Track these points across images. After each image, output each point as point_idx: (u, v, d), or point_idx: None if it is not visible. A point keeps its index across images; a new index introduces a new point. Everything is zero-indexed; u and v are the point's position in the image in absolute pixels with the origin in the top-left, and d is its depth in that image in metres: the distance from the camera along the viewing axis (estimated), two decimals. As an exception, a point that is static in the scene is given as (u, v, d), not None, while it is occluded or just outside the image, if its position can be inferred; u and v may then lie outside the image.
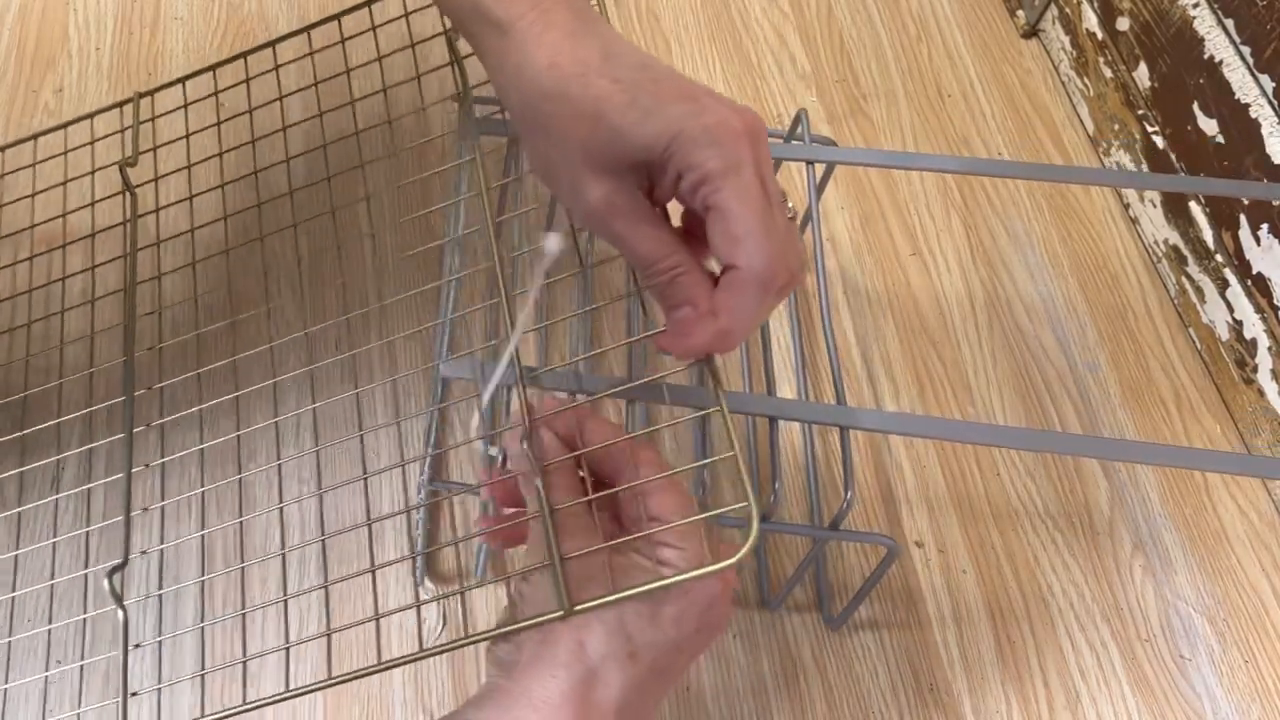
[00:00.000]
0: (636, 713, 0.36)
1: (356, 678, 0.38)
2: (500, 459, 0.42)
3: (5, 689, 0.54)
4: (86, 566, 0.56)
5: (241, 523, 0.59)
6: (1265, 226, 0.61)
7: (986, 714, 0.57)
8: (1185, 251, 0.69)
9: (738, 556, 0.33)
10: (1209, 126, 0.65)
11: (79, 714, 0.54)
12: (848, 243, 0.72)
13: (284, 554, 0.46)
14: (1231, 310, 0.65)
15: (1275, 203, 0.60)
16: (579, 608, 0.34)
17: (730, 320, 0.35)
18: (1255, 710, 0.57)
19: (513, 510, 0.42)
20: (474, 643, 0.37)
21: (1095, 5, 0.75)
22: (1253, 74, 0.61)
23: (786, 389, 0.66)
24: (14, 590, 0.56)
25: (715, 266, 0.37)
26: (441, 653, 0.37)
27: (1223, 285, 0.66)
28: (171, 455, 0.55)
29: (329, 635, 0.41)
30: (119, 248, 0.53)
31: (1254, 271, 0.63)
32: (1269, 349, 0.62)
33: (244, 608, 0.56)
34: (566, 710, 0.34)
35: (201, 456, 0.54)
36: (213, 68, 0.56)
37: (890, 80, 0.80)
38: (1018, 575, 0.61)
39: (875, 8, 0.84)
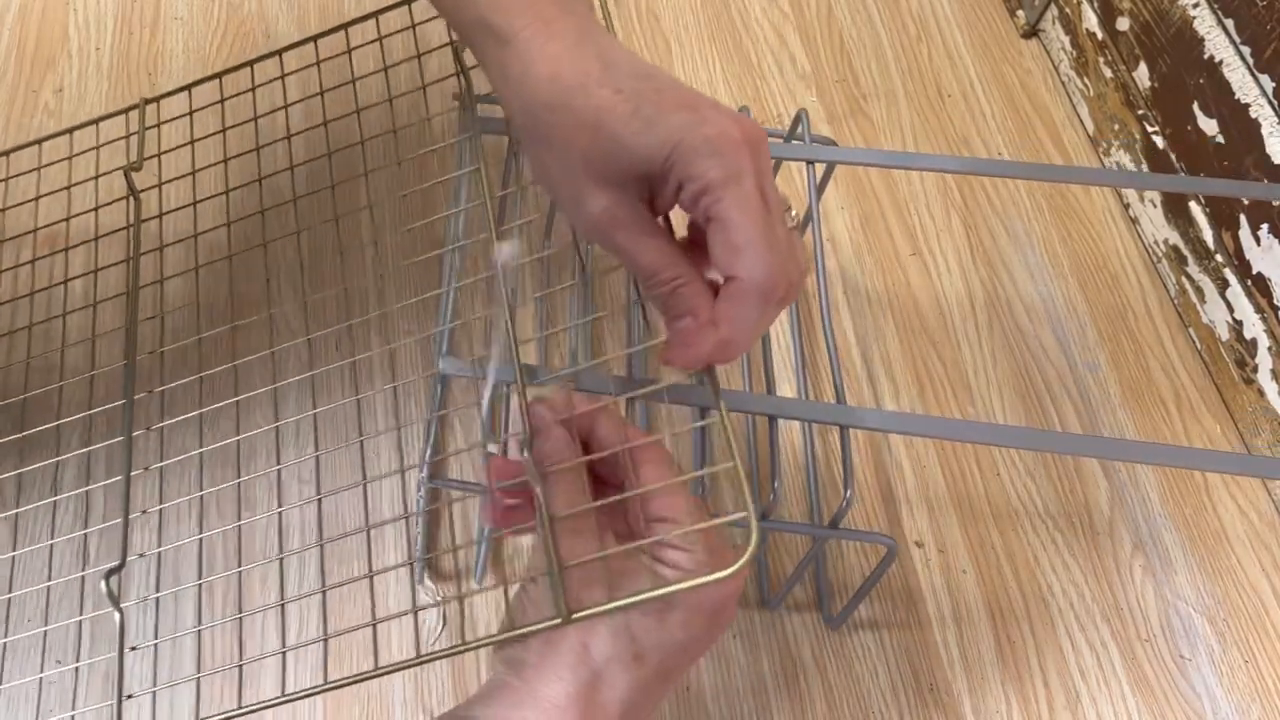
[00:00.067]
0: (640, 714, 0.36)
1: (351, 683, 0.38)
2: (502, 451, 0.42)
3: (2, 689, 0.54)
4: (84, 568, 0.56)
5: (240, 526, 0.59)
6: (1265, 226, 0.61)
7: (986, 714, 0.57)
8: (1185, 251, 0.69)
9: (737, 565, 0.33)
10: (1209, 126, 0.65)
11: (74, 715, 0.54)
12: (848, 243, 0.72)
13: (282, 558, 0.46)
14: (1231, 310, 0.65)
15: (1275, 203, 0.60)
16: (577, 615, 0.34)
17: (731, 330, 0.35)
18: (1255, 710, 0.57)
19: (512, 498, 0.42)
20: (472, 650, 0.36)
21: (1095, 5, 0.75)
22: (1253, 74, 0.61)
23: (786, 388, 0.66)
24: (11, 591, 0.56)
25: (719, 277, 0.37)
26: (437, 659, 0.37)
27: (1223, 285, 0.66)
28: (171, 459, 0.55)
29: (325, 641, 0.41)
30: (122, 252, 0.53)
31: (1254, 271, 0.63)
32: (1269, 349, 0.62)
33: (241, 611, 0.56)
34: (572, 712, 0.34)
35: (201, 460, 0.54)
36: (218, 75, 0.57)
37: (890, 80, 0.80)
38: (1018, 575, 0.61)
39: (875, 8, 0.84)
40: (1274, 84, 0.59)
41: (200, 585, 0.58)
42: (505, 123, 0.54)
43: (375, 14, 0.55)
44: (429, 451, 0.60)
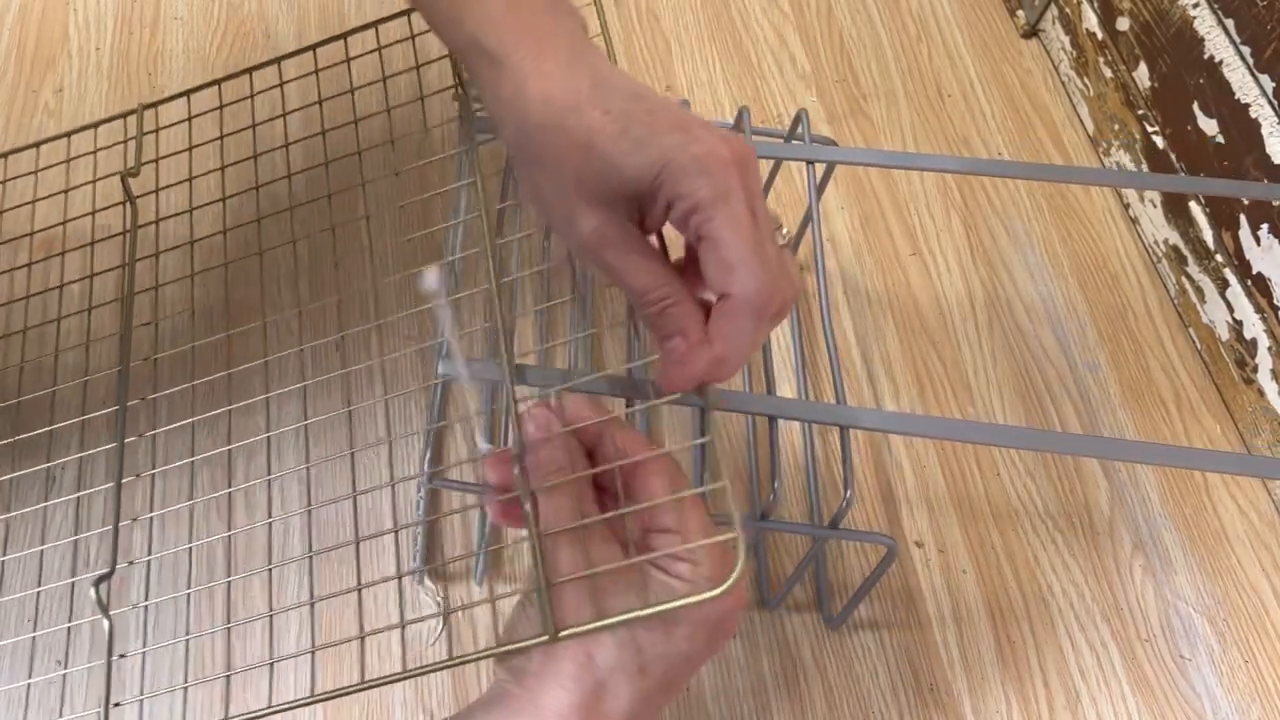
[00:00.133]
0: None
1: (341, 695, 0.38)
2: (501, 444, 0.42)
3: None
4: (75, 574, 0.56)
5: (232, 535, 0.59)
6: (1265, 226, 0.61)
7: (986, 714, 0.57)
8: (1185, 251, 0.69)
9: (725, 586, 0.33)
10: (1209, 126, 0.65)
11: None
12: (848, 243, 0.72)
13: (271, 569, 0.46)
14: (1231, 310, 0.65)
15: (1275, 203, 0.60)
16: (563, 634, 0.34)
17: (725, 347, 0.35)
18: (1255, 710, 0.57)
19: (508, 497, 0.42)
20: (459, 665, 0.36)
21: (1095, 5, 0.75)
22: (1253, 74, 0.61)
23: (787, 389, 0.66)
24: (1, 596, 0.56)
25: (711, 297, 0.37)
26: (426, 673, 0.37)
27: (1223, 285, 0.66)
28: (163, 466, 0.55)
29: (313, 653, 0.41)
30: (117, 257, 0.53)
31: (1254, 271, 0.63)
32: (1269, 349, 0.62)
33: (230, 620, 0.56)
34: None
35: (193, 469, 0.54)
36: (217, 82, 0.57)
37: (890, 80, 0.80)
38: (1018, 575, 0.61)
39: (875, 8, 0.84)
40: (1274, 84, 0.59)
41: (190, 594, 0.58)
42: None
43: (375, 23, 0.55)
44: (428, 453, 0.61)
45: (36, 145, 0.60)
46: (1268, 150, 0.60)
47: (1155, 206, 0.71)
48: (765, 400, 0.48)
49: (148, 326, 0.54)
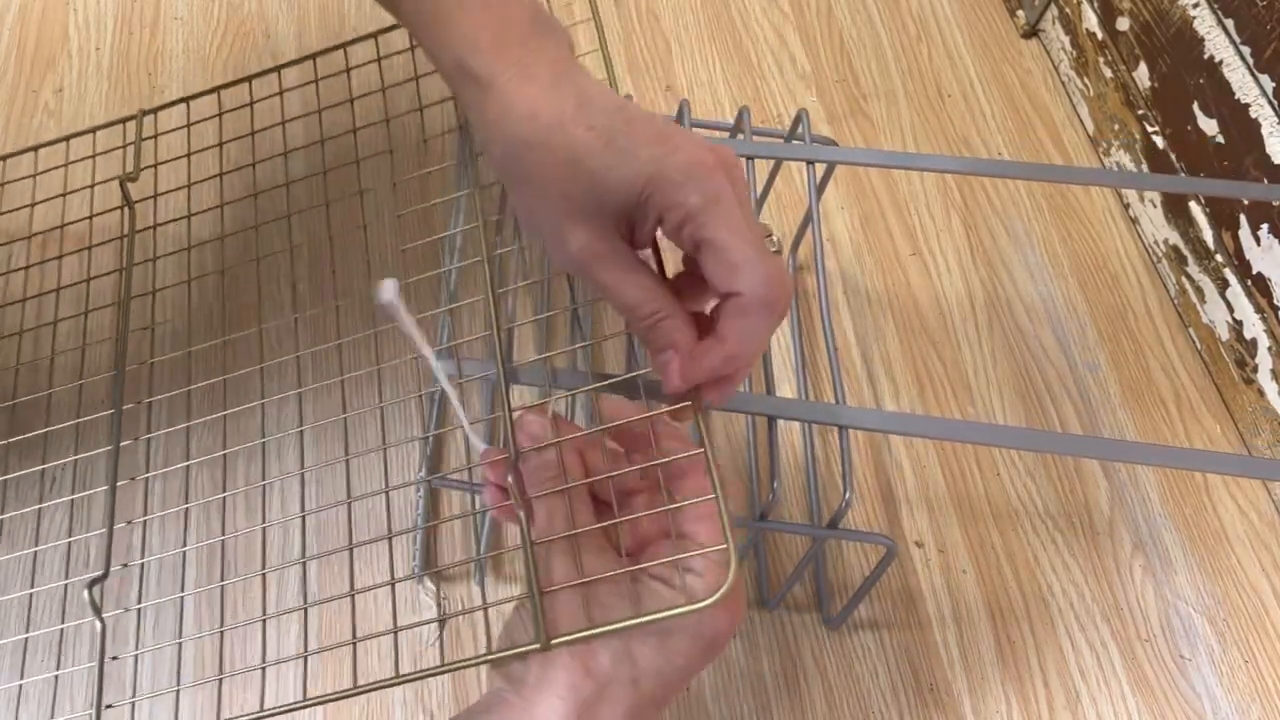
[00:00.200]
0: None
1: (333, 700, 0.38)
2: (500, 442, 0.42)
3: None
4: (68, 577, 0.56)
5: (228, 539, 0.59)
6: (1265, 226, 0.61)
7: (986, 714, 0.57)
8: (1185, 251, 0.69)
9: (715, 597, 0.34)
10: (1209, 126, 0.65)
11: None
12: (848, 243, 0.72)
13: (265, 573, 0.46)
14: (1231, 310, 0.65)
15: (1275, 203, 0.60)
16: (555, 641, 0.35)
17: (738, 345, 0.35)
18: (1255, 710, 0.57)
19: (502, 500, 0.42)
20: (452, 671, 0.37)
21: (1095, 5, 0.75)
22: (1253, 74, 0.61)
23: (787, 389, 0.66)
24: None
25: (707, 308, 0.37)
26: (419, 679, 0.37)
27: (1223, 285, 0.66)
28: (159, 470, 0.55)
29: (306, 657, 0.41)
30: (115, 261, 0.53)
31: (1254, 271, 0.63)
32: (1269, 349, 0.62)
33: (223, 624, 0.56)
34: None
35: (187, 472, 0.54)
36: (218, 89, 0.57)
37: (890, 80, 0.80)
38: (1018, 575, 0.61)
39: (875, 8, 0.84)
40: (1274, 84, 0.59)
41: (184, 597, 0.58)
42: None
43: (375, 34, 0.55)
44: (428, 453, 0.60)
45: (35, 149, 0.60)
46: (1268, 150, 0.60)
47: (1155, 206, 0.71)
48: (765, 400, 0.48)
49: (144, 331, 0.54)
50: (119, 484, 0.47)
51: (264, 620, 0.44)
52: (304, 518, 0.57)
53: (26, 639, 0.56)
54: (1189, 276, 0.69)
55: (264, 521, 0.59)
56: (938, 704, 0.57)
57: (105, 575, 0.44)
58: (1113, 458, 0.62)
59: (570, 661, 0.35)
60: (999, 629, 0.59)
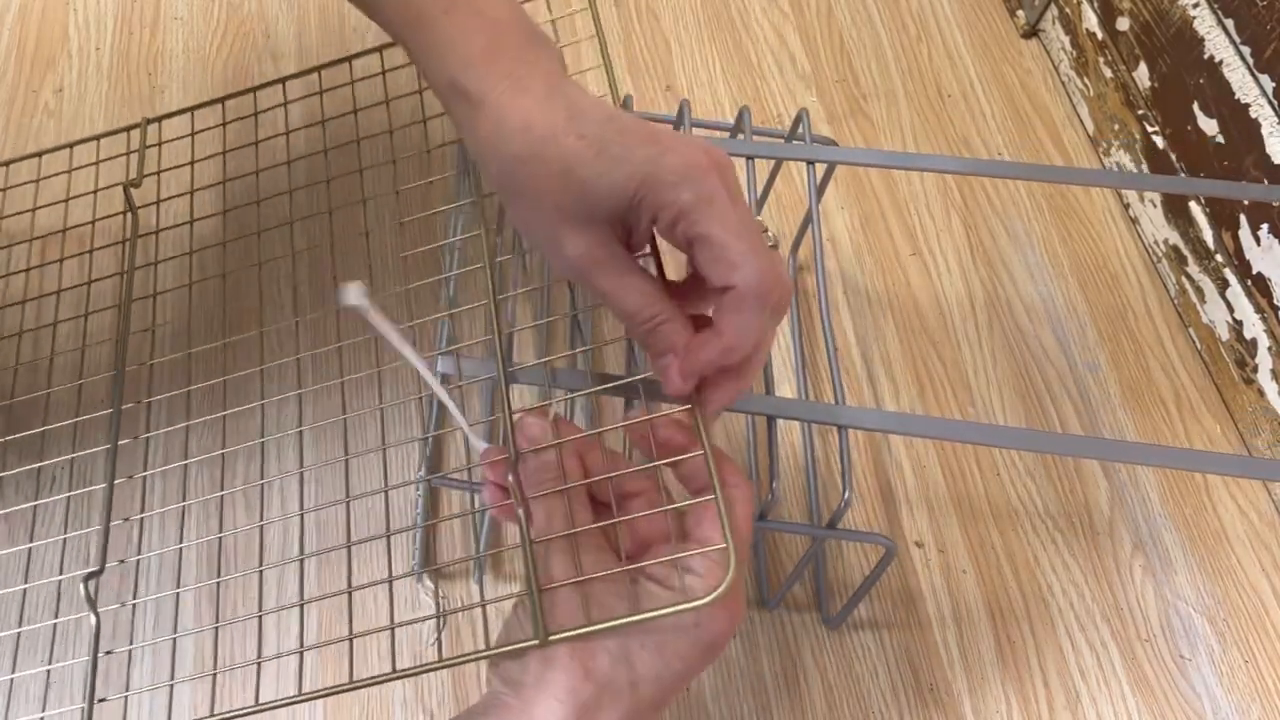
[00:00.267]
0: None
1: (327, 695, 0.38)
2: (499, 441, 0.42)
3: None
4: (64, 572, 0.57)
5: (227, 537, 0.59)
6: (1265, 226, 0.61)
7: (986, 714, 0.57)
8: (1185, 251, 0.69)
9: (712, 596, 0.34)
10: (1209, 126, 0.65)
11: (43, 717, 0.54)
12: (848, 243, 0.72)
13: (262, 570, 0.46)
14: (1231, 310, 0.65)
15: (1275, 203, 0.60)
16: (554, 637, 0.35)
17: (735, 337, 0.36)
18: (1255, 710, 0.57)
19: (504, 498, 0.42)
20: (455, 665, 0.37)
21: (1095, 5, 0.75)
22: (1253, 74, 0.61)
23: (787, 389, 0.66)
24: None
25: (709, 311, 0.38)
26: (415, 674, 0.37)
27: (1223, 285, 0.66)
28: (158, 468, 0.55)
29: (301, 653, 0.42)
30: (116, 265, 0.54)
31: (1254, 271, 0.63)
32: (1269, 349, 0.62)
33: (219, 620, 0.56)
34: None
35: (186, 471, 0.54)
36: (222, 99, 0.58)
37: (890, 80, 0.80)
38: (1018, 575, 0.61)
39: (875, 8, 0.84)
40: (1274, 84, 0.59)
41: (180, 593, 0.58)
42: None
43: (380, 48, 0.55)
44: (428, 452, 0.60)
45: (39, 155, 0.60)
46: (1268, 150, 0.60)
47: (1155, 206, 0.71)
48: (764, 400, 0.48)
49: (144, 333, 0.54)
50: (117, 482, 0.47)
51: (260, 616, 0.44)
52: (302, 516, 0.57)
53: (20, 633, 0.56)
54: (1189, 276, 0.69)
55: (262, 520, 0.59)
56: (938, 704, 0.57)
57: (101, 570, 0.44)
58: (1113, 458, 0.62)
59: (570, 664, 0.35)
60: (999, 629, 0.59)
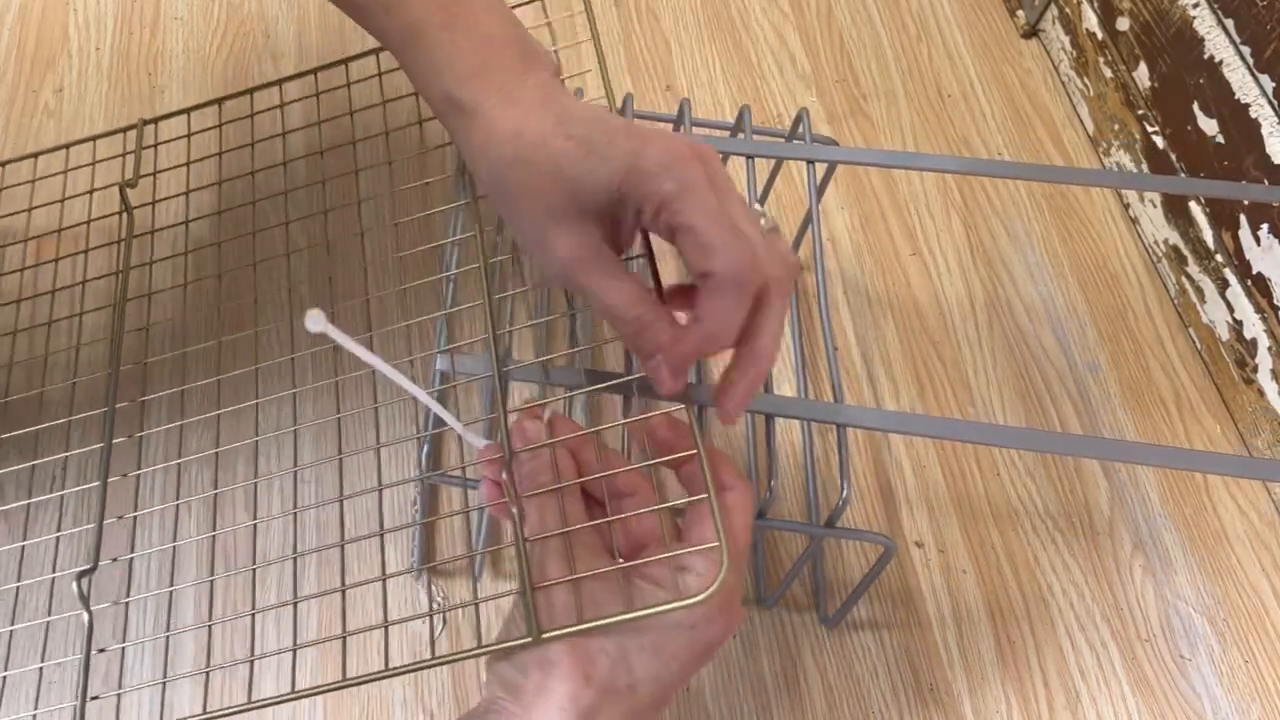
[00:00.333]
0: None
1: (320, 693, 0.38)
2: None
3: None
4: (57, 571, 0.57)
5: (222, 535, 0.59)
6: (1265, 226, 0.61)
7: (986, 714, 0.57)
8: (1185, 251, 0.69)
9: (705, 594, 0.34)
10: (1209, 126, 0.65)
11: (35, 715, 0.54)
12: (848, 243, 0.72)
13: (255, 569, 0.46)
14: (1231, 310, 0.65)
15: (1275, 203, 0.60)
16: (547, 635, 0.35)
17: (715, 323, 0.36)
18: (1255, 710, 0.57)
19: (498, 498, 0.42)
20: (443, 664, 0.37)
21: (1095, 5, 0.75)
22: (1253, 74, 0.61)
23: (787, 388, 0.66)
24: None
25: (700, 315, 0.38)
26: (408, 672, 0.37)
27: (1223, 285, 0.65)
28: (151, 466, 0.54)
29: (294, 651, 0.42)
30: (111, 265, 0.54)
31: (1254, 271, 0.62)
32: (1269, 349, 0.62)
33: (211, 619, 0.56)
34: None
35: (180, 469, 0.54)
36: (219, 100, 0.58)
37: (890, 80, 0.80)
38: (1018, 575, 0.61)
39: (875, 8, 0.84)
40: (1274, 84, 0.59)
41: (173, 591, 0.58)
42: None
43: (377, 51, 0.55)
44: (427, 450, 0.60)
45: (35, 155, 0.60)
46: (1268, 150, 0.60)
47: (1155, 206, 0.71)
48: (763, 399, 0.48)
49: (139, 333, 0.54)
50: (112, 480, 0.47)
51: (253, 614, 0.44)
52: (296, 514, 0.57)
53: (12, 631, 0.56)
54: (1189, 276, 0.69)
55: (256, 518, 0.59)
56: (938, 704, 0.57)
57: (94, 568, 0.44)
58: (1113, 458, 0.62)
59: (571, 671, 0.35)
60: (999, 629, 0.59)
